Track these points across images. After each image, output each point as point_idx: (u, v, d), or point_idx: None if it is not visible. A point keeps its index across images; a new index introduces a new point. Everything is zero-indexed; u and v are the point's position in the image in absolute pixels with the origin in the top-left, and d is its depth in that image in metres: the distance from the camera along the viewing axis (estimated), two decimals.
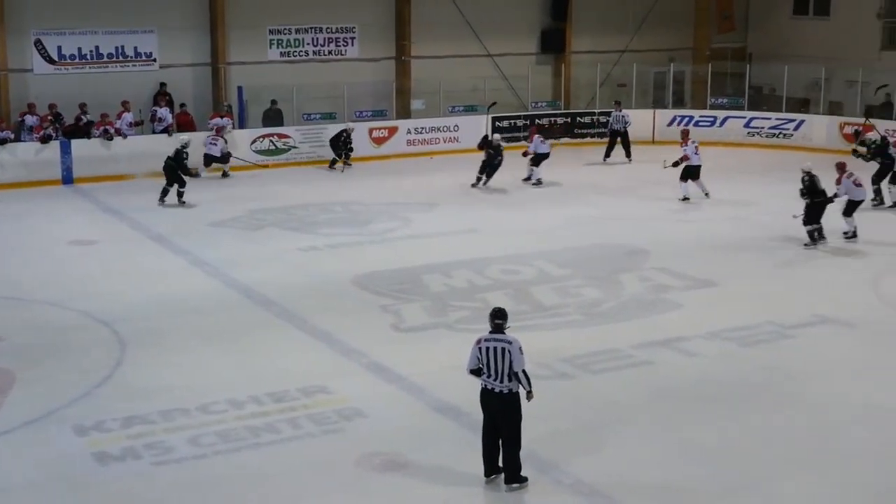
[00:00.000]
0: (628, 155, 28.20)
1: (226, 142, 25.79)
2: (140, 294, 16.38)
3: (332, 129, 27.79)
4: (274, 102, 28.23)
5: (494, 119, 29.78)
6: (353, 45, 30.47)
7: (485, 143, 25.04)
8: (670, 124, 30.90)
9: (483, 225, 21.02)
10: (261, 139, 27.28)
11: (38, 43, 26.39)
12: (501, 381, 9.92)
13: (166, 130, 26.12)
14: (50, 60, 26.55)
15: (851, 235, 19.54)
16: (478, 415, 10.31)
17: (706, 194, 23.07)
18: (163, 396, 12.26)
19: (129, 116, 25.97)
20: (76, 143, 25.13)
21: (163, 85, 27.54)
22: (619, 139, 28.39)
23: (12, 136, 24.89)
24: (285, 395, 12.32)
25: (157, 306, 15.75)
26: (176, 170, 22.46)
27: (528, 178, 25.13)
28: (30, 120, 25.18)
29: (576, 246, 19.33)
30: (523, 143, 26.87)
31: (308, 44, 29.87)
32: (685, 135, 23.77)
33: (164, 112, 26.54)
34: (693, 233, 20.41)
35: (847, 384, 12.86)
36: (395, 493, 10.17)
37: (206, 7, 28.18)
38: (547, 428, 11.16)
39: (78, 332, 14.63)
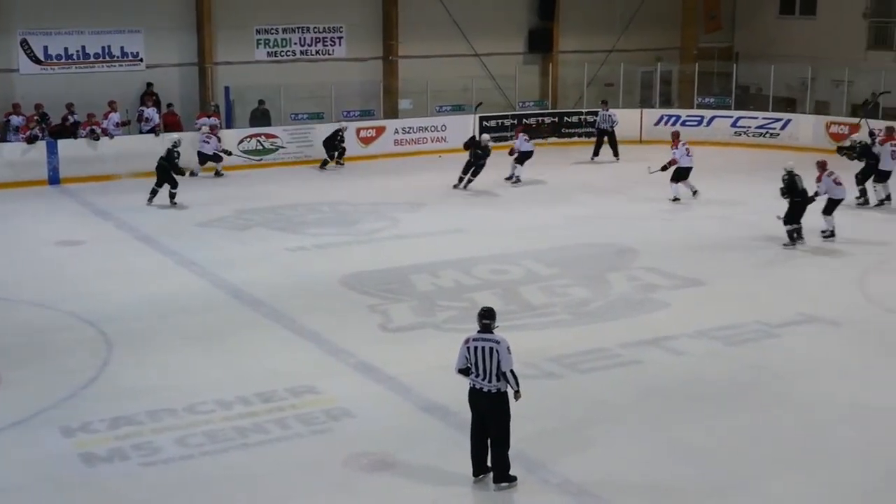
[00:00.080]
0: (616, 154, 28.26)
1: (219, 140, 25.77)
2: (127, 294, 16.33)
3: (320, 128, 27.81)
4: (261, 102, 28.18)
5: (482, 119, 29.79)
6: (340, 44, 30.46)
7: (472, 144, 24.94)
8: (657, 123, 30.98)
9: (471, 224, 21.02)
10: (248, 139, 27.23)
11: (24, 43, 26.32)
12: (490, 381, 9.93)
13: (153, 130, 26.07)
14: (36, 60, 26.48)
15: (829, 234, 19.56)
16: (466, 414, 10.31)
17: (694, 193, 23.08)
18: (150, 397, 12.23)
19: (115, 116, 25.90)
20: (63, 144, 25.05)
21: (149, 85, 27.48)
22: (606, 138, 28.46)
23: None
24: (273, 395, 12.30)
25: (144, 307, 15.71)
26: (168, 170, 22.39)
27: (510, 177, 25.19)
28: (15, 120, 25.07)
29: (563, 245, 19.35)
30: (511, 142, 26.87)
31: (295, 44, 29.85)
32: (675, 137, 23.51)
33: (150, 112, 26.47)
34: (680, 232, 20.45)
35: (833, 383, 12.90)
36: (383, 493, 10.16)
37: (193, 7, 28.13)
38: (535, 427, 11.17)
39: (64, 333, 14.59)
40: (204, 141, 25.41)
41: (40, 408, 11.98)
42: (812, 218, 19.36)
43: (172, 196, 22.45)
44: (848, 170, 22.15)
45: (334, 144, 27.14)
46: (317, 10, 29.81)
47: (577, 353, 13.74)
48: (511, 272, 17.57)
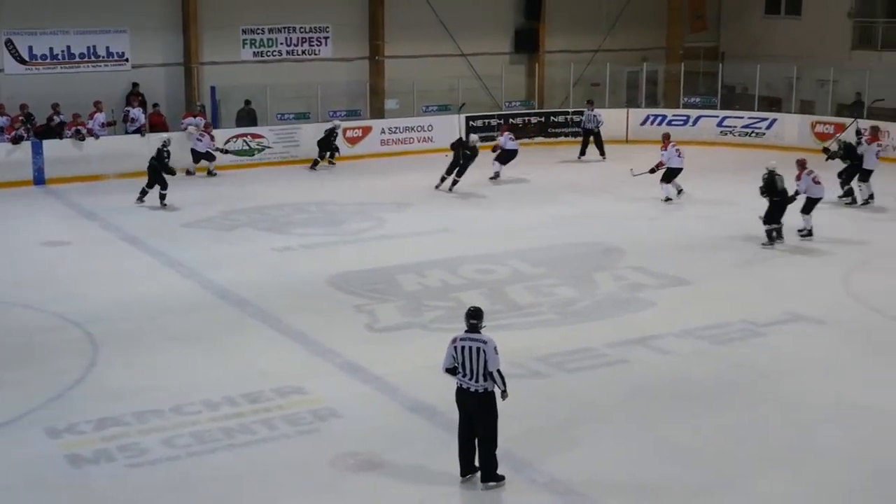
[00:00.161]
0: (602, 154, 28.31)
1: (212, 139, 25.74)
2: (113, 295, 16.28)
3: (306, 128, 27.81)
4: (248, 102, 28.15)
5: (468, 119, 29.79)
6: (326, 44, 30.43)
7: (459, 145, 24.84)
8: (643, 123, 31.04)
9: (457, 224, 21.02)
10: (234, 139, 27.18)
11: (8, 43, 26.23)
12: (477, 381, 9.94)
13: (139, 131, 26.01)
14: (21, 60, 26.38)
15: (806, 234, 19.57)
16: (453, 414, 10.32)
17: (679, 192, 23.12)
18: (136, 398, 12.20)
19: (101, 117, 25.82)
20: (48, 144, 24.97)
21: (135, 85, 27.42)
22: (592, 138, 28.50)
23: None
24: (260, 395, 12.28)
25: (130, 307, 15.66)
26: (159, 171, 22.32)
27: (493, 177, 25.20)
28: (0, 120, 24.99)
29: (550, 245, 19.37)
30: (497, 139, 26.84)
31: (281, 44, 29.81)
32: (666, 138, 23.29)
33: (136, 112, 26.40)
34: (667, 231, 20.50)
35: (819, 382, 12.95)
36: (370, 493, 10.16)
37: (179, 7, 28.06)
38: (521, 427, 11.17)
39: (50, 334, 14.54)
40: (197, 139, 25.41)
41: (26, 409, 11.94)
42: (789, 216, 19.37)
43: (162, 197, 22.37)
44: (828, 169, 22.22)
45: (328, 143, 27.10)
46: (303, 10, 29.78)
47: (563, 353, 13.76)
48: (497, 272, 17.58)
